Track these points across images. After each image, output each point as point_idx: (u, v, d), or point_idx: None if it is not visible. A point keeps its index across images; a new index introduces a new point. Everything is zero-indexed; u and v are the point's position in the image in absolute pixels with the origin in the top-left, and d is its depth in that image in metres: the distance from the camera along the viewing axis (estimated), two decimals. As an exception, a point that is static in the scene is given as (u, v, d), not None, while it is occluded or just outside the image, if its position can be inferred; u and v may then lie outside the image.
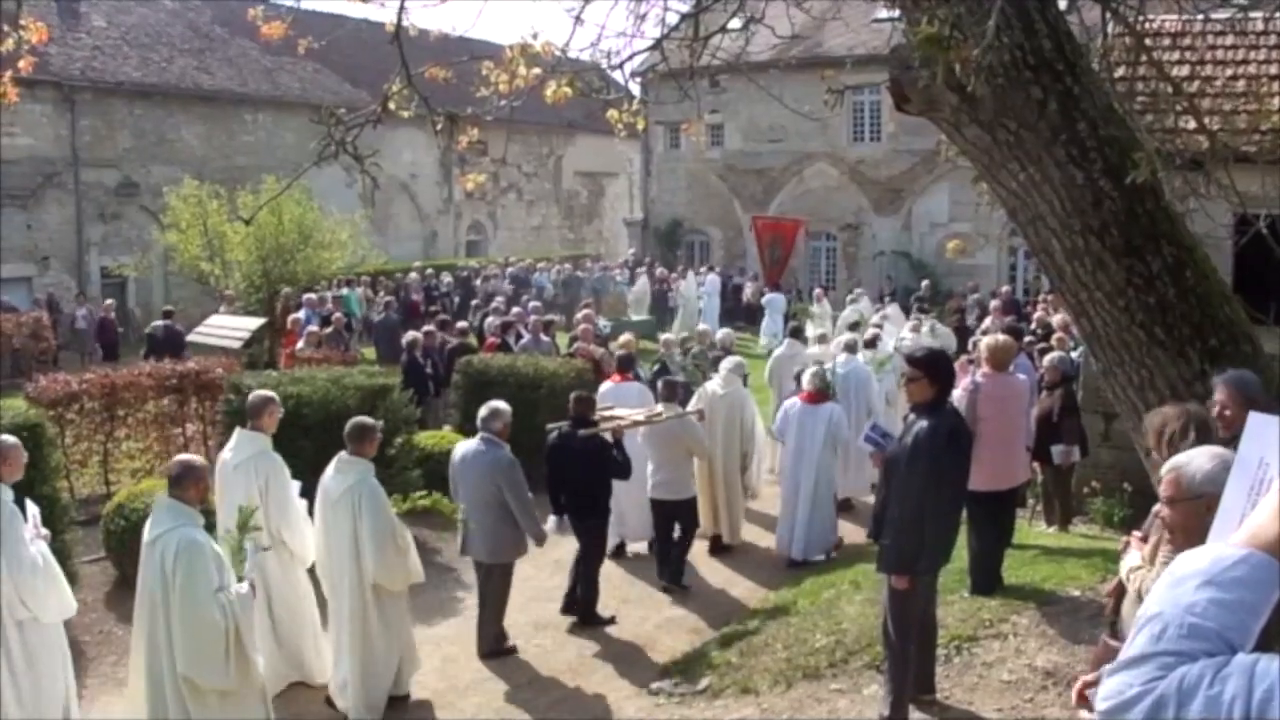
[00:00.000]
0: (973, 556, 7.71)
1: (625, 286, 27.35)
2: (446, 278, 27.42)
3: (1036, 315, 17.50)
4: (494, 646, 8.07)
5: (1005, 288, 23.98)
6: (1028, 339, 14.10)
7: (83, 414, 11.14)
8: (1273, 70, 11.42)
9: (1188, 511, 2.92)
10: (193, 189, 20.54)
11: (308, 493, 7.23)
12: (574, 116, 28.40)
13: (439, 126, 6.76)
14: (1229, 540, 1.69)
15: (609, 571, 9.21)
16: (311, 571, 7.35)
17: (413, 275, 27.04)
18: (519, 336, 15.84)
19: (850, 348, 12.45)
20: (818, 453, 9.99)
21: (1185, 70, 11.41)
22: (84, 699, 6.98)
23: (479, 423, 8.00)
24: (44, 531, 6.36)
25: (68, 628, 6.58)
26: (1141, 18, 6.36)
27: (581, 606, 8.67)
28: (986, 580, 7.61)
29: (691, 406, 10.16)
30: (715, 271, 28.76)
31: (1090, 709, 3.24)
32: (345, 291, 23.52)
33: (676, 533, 9.59)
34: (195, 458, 6.01)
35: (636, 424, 9.15)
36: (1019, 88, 5.01)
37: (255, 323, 16.31)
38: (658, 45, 7.29)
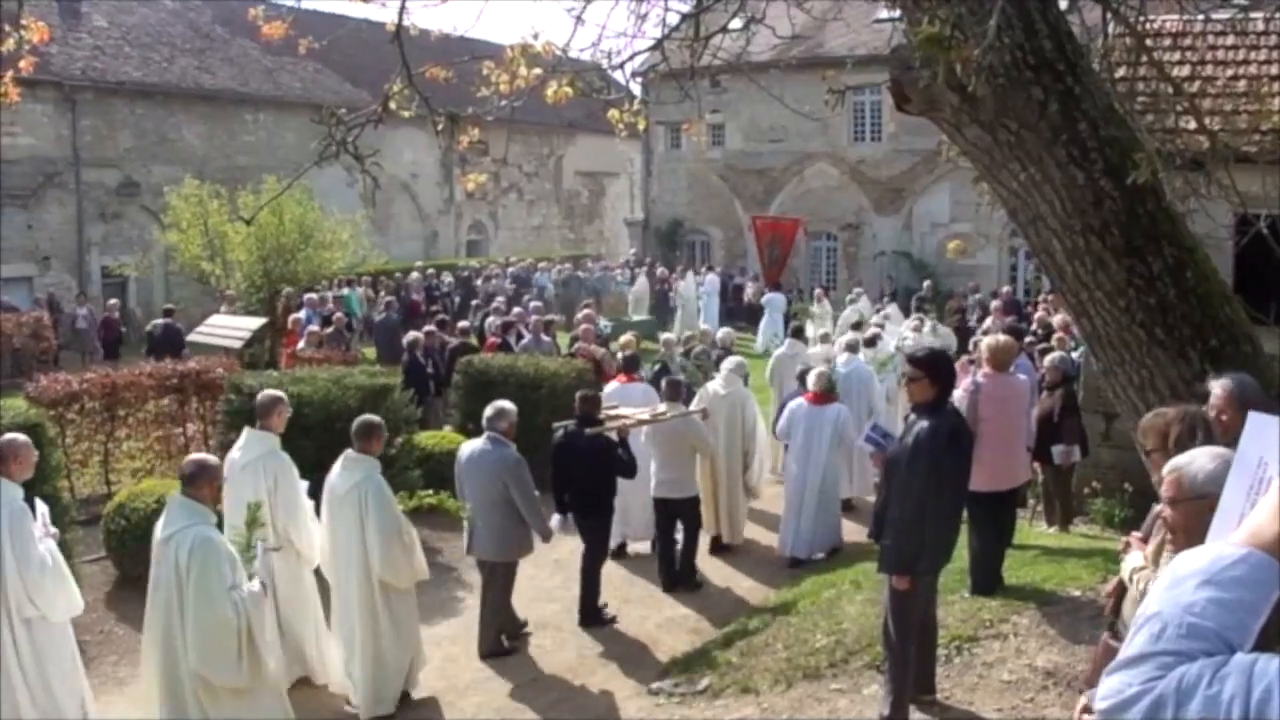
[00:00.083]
0: (973, 557, 7.71)
1: (626, 286, 27.36)
2: (447, 278, 27.42)
3: (1037, 315, 17.50)
4: (494, 647, 8.08)
5: (1006, 288, 23.99)
6: (1028, 339, 14.10)
7: (83, 414, 11.14)
8: (1273, 70, 11.42)
9: (1190, 512, 2.88)
10: (194, 189, 20.54)
11: (314, 492, 7.27)
12: (575, 116, 28.44)
13: (440, 126, 6.76)
14: (1228, 540, 1.69)
15: (610, 571, 9.22)
16: (318, 570, 7.38)
17: (414, 275, 27.04)
18: (520, 336, 15.85)
19: (851, 347, 12.47)
20: (824, 453, 10.03)
21: (1186, 70, 11.42)
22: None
23: (485, 422, 8.04)
24: (53, 530, 6.39)
25: (68, 627, 6.59)
26: (1142, 18, 6.36)
27: (582, 605, 8.69)
28: (987, 580, 7.60)
29: (694, 406, 10.17)
30: (715, 271, 28.77)
31: None
32: (346, 291, 23.52)
33: (679, 533, 9.61)
34: (209, 457, 6.03)
35: (642, 423, 9.19)
36: (1020, 88, 5.01)
37: (256, 323, 16.31)
38: (658, 45, 7.29)
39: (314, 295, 19.52)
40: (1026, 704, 5.86)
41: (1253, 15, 10.22)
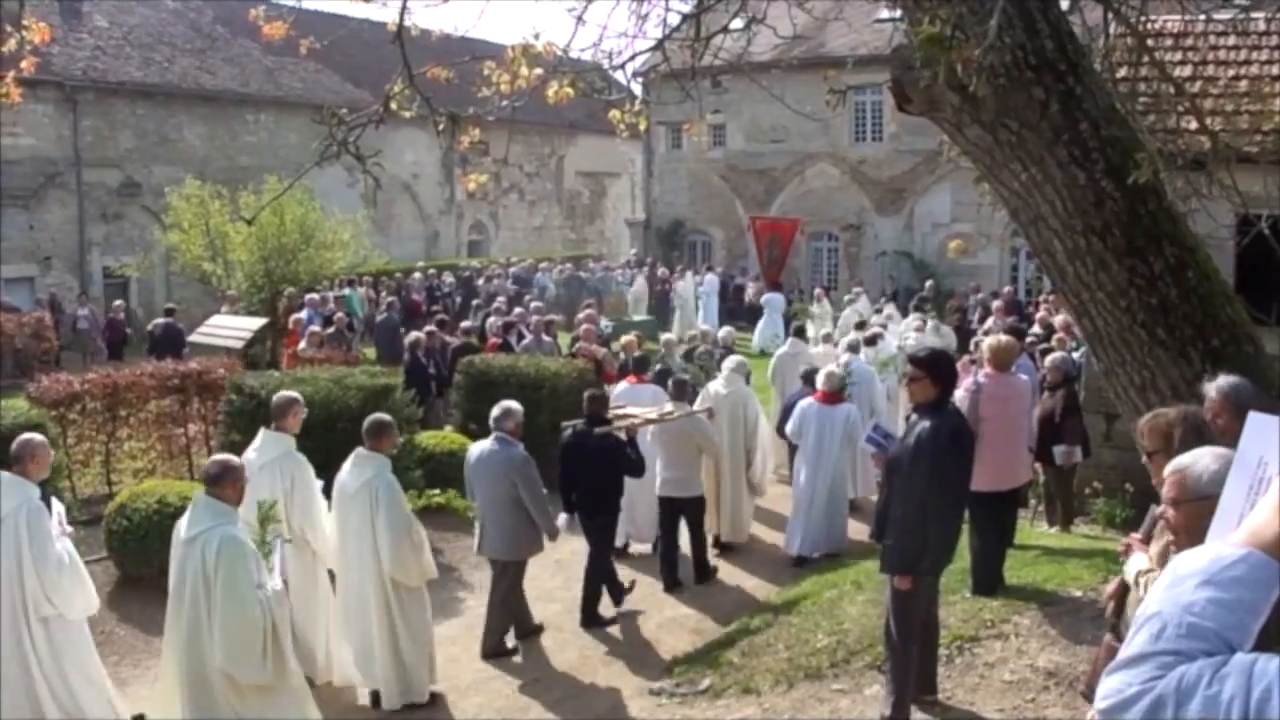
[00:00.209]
0: (974, 557, 7.71)
1: (626, 287, 27.38)
2: (448, 278, 27.43)
3: (1039, 315, 17.49)
4: (497, 648, 8.10)
5: (1007, 288, 23.99)
6: (1029, 339, 14.09)
7: (85, 414, 11.15)
8: (1275, 71, 11.41)
9: (1193, 513, 2.82)
10: (195, 189, 20.55)
11: (325, 491, 7.33)
12: (576, 117, 28.39)
13: (441, 127, 6.76)
14: (1228, 540, 1.69)
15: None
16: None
17: (416, 276, 27.05)
18: (521, 337, 15.85)
19: (853, 348, 12.50)
20: (835, 452, 10.09)
21: (1187, 71, 11.42)
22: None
23: (491, 422, 8.09)
24: (68, 529, 6.47)
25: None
26: (1144, 18, 6.36)
27: (584, 605, 8.70)
28: (988, 581, 7.60)
29: (697, 406, 10.19)
30: (714, 271, 28.77)
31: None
32: (347, 292, 23.53)
33: (683, 534, 9.65)
34: (233, 457, 6.09)
35: (649, 422, 9.25)
36: (1021, 88, 5.01)
37: (257, 323, 16.32)
38: (659, 46, 7.29)
39: (315, 295, 19.52)
40: (1028, 704, 5.86)
41: (1254, 15, 10.21)
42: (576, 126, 35.10)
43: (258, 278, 19.55)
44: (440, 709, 7.23)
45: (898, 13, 6.22)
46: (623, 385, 11.02)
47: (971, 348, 13.90)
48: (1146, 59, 6.67)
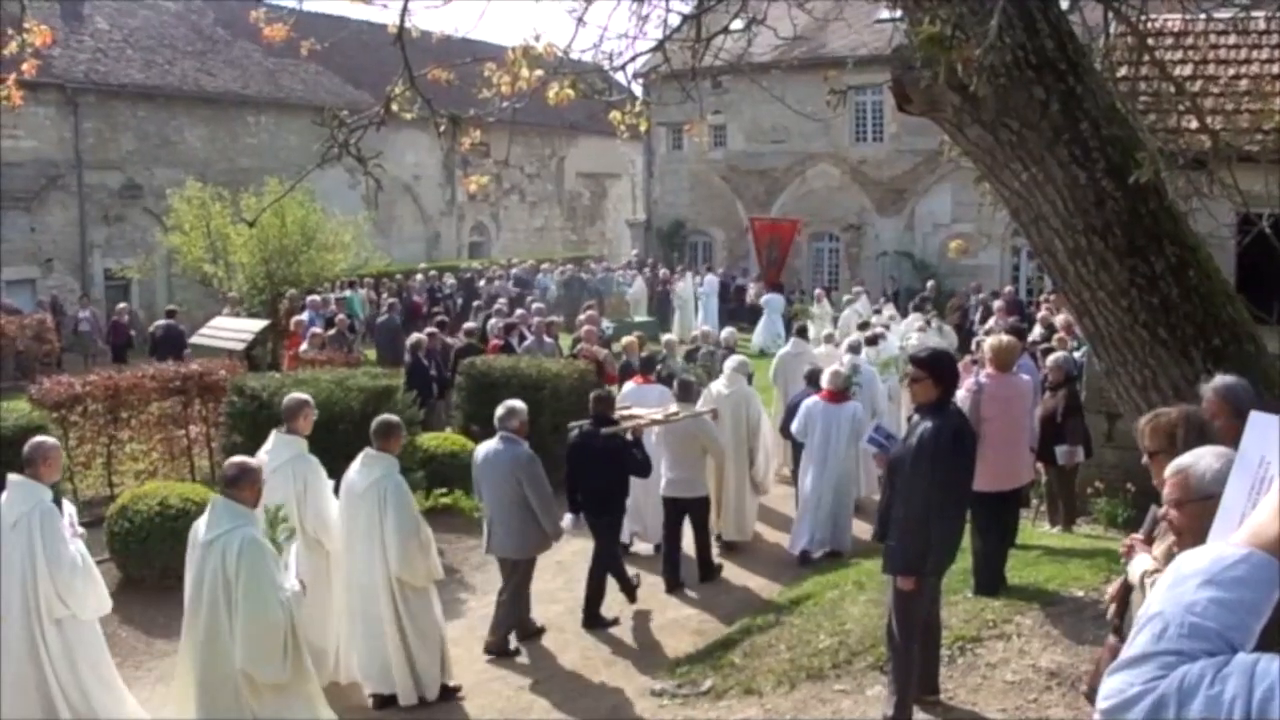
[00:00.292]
0: (976, 557, 7.70)
1: (627, 288, 27.38)
2: (450, 279, 27.43)
3: (1040, 315, 17.48)
4: (502, 646, 8.13)
5: (1008, 288, 23.96)
6: (1031, 339, 14.09)
7: (86, 416, 11.15)
8: (1275, 70, 11.41)
9: (1196, 513, 2.76)
10: (196, 191, 20.53)
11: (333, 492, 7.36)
12: (576, 118, 28.39)
13: (442, 128, 6.76)
14: (1230, 540, 1.69)
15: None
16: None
17: (417, 277, 27.05)
18: (522, 338, 15.85)
19: (854, 348, 12.52)
20: (842, 451, 10.13)
21: (1188, 70, 11.42)
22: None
23: (496, 421, 8.14)
24: (80, 530, 6.51)
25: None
26: (1144, 17, 6.36)
27: (586, 605, 8.71)
28: (990, 581, 7.60)
29: (701, 407, 10.21)
30: (714, 272, 28.76)
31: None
32: (348, 293, 23.52)
33: (686, 534, 9.67)
34: (251, 459, 6.12)
35: (655, 423, 9.30)
36: (1021, 88, 5.01)
37: (259, 325, 16.32)
38: (660, 46, 7.29)
39: (316, 297, 19.53)
40: (1030, 704, 5.86)
41: (1254, 14, 10.20)
42: (577, 128, 35.10)
43: (259, 279, 19.54)
44: (441, 709, 7.23)
45: (898, 13, 6.22)
46: (629, 385, 11.06)
47: (973, 348, 13.90)
48: (1147, 58, 6.68)
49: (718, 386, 10.68)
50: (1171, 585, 1.64)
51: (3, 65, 7.76)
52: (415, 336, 15.07)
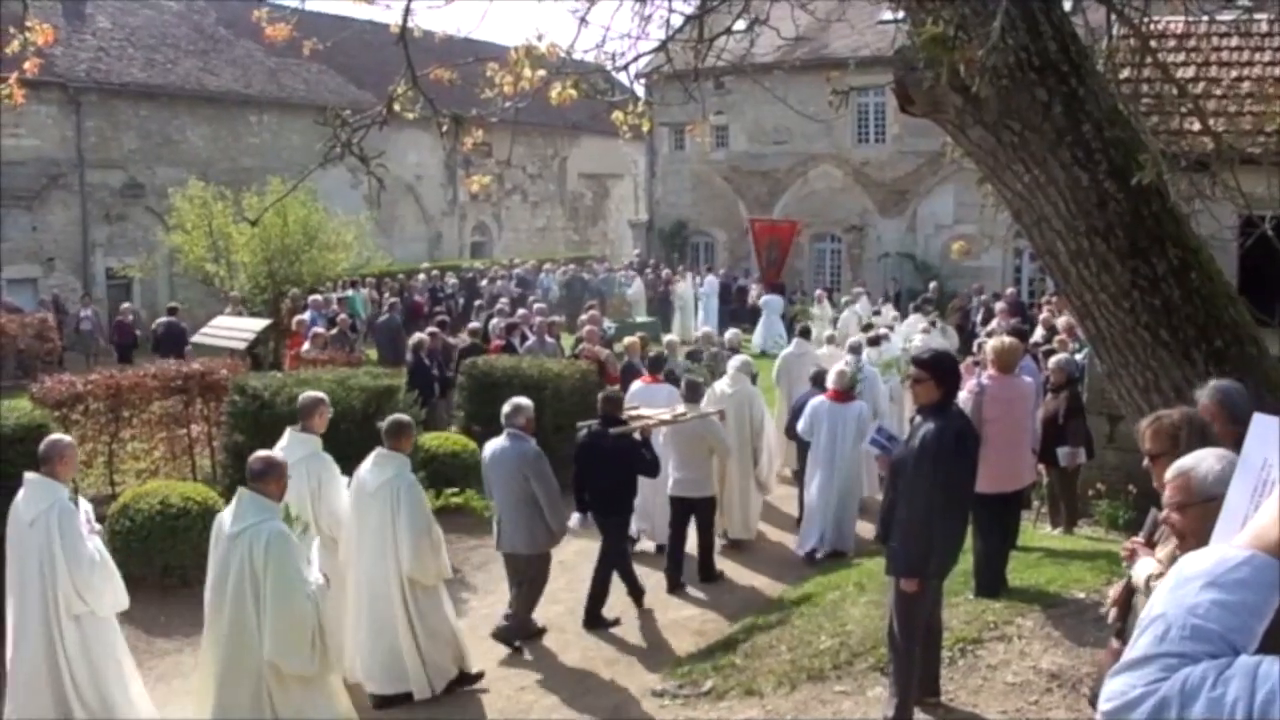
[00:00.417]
0: (977, 558, 7.70)
1: (627, 288, 27.38)
2: (451, 279, 27.43)
3: (1041, 317, 17.47)
4: (508, 635, 8.16)
5: (1010, 290, 23.96)
6: (1032, 341, 14.08)
7: (88, 415, 11.15)
8: (1278, 72, 11.40)
9: (1199, 515, 2.72)
10: (198, 190, 20.56)
11: None
12: (579, 118, 28.38)
13: (444, 128, 6.76)
14: (1232, 542, 1.69)
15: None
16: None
17: (420, 277, 27.06)
18: (524, 338, 15.86)
19: (854, 349, 12.54)
20: (849, 450, 10.18)
21: (1191, 72, 11.41)
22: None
23: (503, 419, 8.19)
24: (96, 526, 6.57)
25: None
26: (1146, 19, 6.35)
27: (589, 605, 8.72)
28: (991, 582, 7.59)
29: (707, 407, 10.23)
30: (714, 273, 28.75)
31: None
32: (350, 293, 23.53)
33: (692, 534, 9.71)
34: (276, 454, 6.18)
35: (663, 423, 9.33)
36: (1024, 89, 5.00)
37: (260, 324, 16.32)
38: (663, 47, 7.29)
39: (318, 297, 19.54)
40: (1031, 706, 5.86)
41: (1257, 16, 10.22)
42: (579, 128, 35.11)
43: (261, 279, 19.56)
44: (441, 708, 7.23)
45: (900, 14, 6.22)
46: (637, 384, 11.11)
47: (974, 349, 13.90)
48: (1150, 60, 6.66)
49: (722, 386, 10.73)
50: (1174, 587, 1.64)
51: (5, 64, 7.76)
52: (417, 336, 15.08)
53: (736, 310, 27.07)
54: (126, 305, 22.73)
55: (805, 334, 14.73)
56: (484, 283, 27.22)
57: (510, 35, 36.34)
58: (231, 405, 10.59)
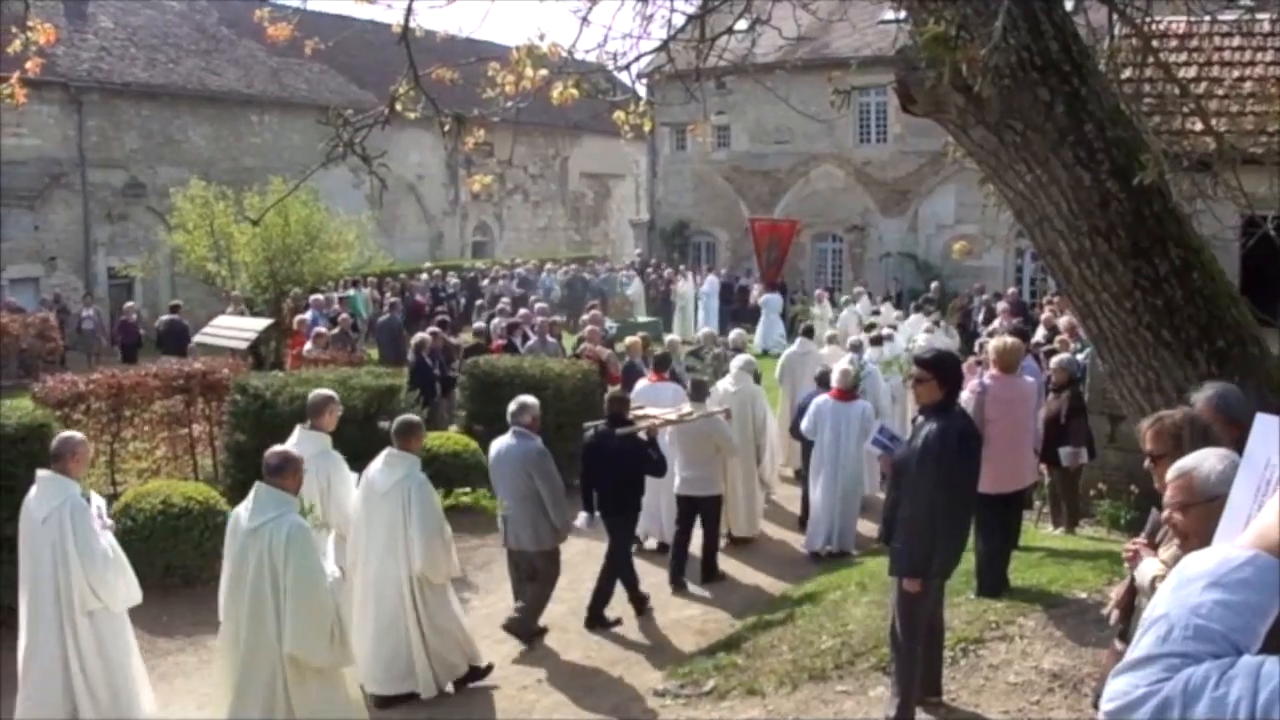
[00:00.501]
0: (979, 558, 7.69)
1: (628, 288, 27.38)
2: (453, 279, 27.43)
3: (1043, 317, 17.46)
4: (520, 628, 8.19)
5: (1012, 290, 23.95)
6: (1034, 341, 14.07)
7: (89, 414, 11.15)
8: (1280, 71, 11.39)
9: (1202, 516, 2.70)
10: (199, 190, 20.58)
11: None
12: (580, 118, 28.33)
13: (446, 128, 6.77)
14: (1235, 542, 1.69)
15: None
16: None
17: (421, 277, 27.06)
18: (525, 338, 15.86)
19: (855, 348, 12.55)
20: (852, 449, 10.20)
21: (1192, 71, 11.41)
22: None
23: (509, 418, 8.24)
24: (109, 522, 6.59)
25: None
26: (1148, 19, 6.35)
27: (592, 604, 8.73)
28: (993, 582, 7.59)
29: (712, 406, 10.25)
30: (714, 272, 28.75)
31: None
32: (352, 293, 23.54)
33: (696, 533, 9.73)
34: (293, 449, 6.22)
35: (669, 423, 9.34)
36: (1026, 89, 5.00)
37: (262, 324, 16.33)
38: (664, 47, 7.29)
39: (320, 296, 19.55)
40: (1032, 706, 5.85)
41: (1259, 16, 10.22)
42: (581, 127, 35.09)
43: (262, 279, 19.57)
44: (442, 709, 7.24)
45: (902, 13, 6.22)
46: (643, 383, 11.13)
47: (976, 349, 13.89)
48: (1151, 60, 6.66)
49: (725, 385, 10.79)
50: (1177, 587, 1.64)
51: (6, 63, 7.76)
52: (419, 336, 15.08)
53: (737, 310, 27.05)
54: (130, 304, 22.72)
55: (809, 333, 14.74)
56: (485, 282, 27.22)
57: (512, 35, 36.36)
58: (233, 405, 10.59)
